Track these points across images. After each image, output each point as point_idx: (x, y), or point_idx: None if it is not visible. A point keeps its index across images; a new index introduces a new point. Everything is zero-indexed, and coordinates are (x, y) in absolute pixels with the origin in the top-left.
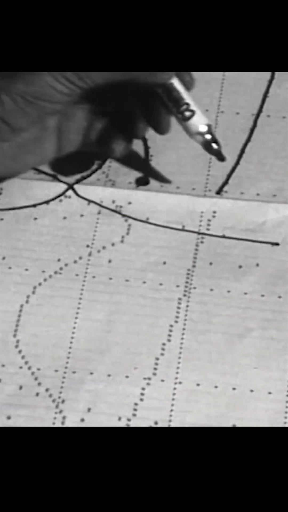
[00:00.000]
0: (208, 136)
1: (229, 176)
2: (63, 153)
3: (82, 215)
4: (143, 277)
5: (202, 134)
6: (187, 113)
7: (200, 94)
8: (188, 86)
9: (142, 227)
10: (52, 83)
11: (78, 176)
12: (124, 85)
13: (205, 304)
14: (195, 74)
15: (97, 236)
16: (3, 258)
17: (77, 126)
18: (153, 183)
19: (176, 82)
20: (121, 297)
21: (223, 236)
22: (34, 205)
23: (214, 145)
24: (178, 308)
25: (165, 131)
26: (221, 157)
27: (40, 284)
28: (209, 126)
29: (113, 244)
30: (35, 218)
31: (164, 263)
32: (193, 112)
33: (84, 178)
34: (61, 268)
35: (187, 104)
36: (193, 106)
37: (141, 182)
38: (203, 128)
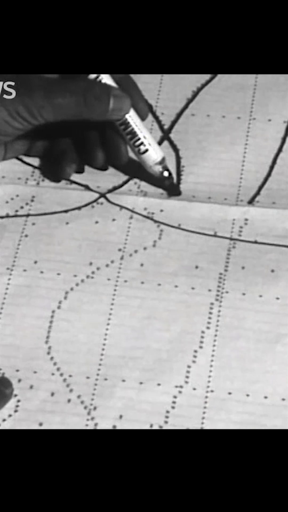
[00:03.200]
0: (161, 170)
1: (261, 187)
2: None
3: (114, 219)
4: (175, 281)
5: (156, 167)
6: (142, 148)
7: (232, 101)
8: (142, 115)
9: (174, 233)
10: (6, 119)
11: (110, 186)
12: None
13: (237, 309)
14: (227, 81)
15: (129, 240)
16: (35, 262)
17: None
18: (185, 193)
19: (130, 117)
20: (153, 302)
21: (255, 242)
22: (66, 211)
23: (166, 181)
24: (210, 313)
25: (123, 160)
26: (175, 192)
27: (72, 289)
28: (163, 159)
29: (145, 248)
30: (67, 223)
31: (196, 267)
32: (147, 146)
33: (116, 188)
34: (93, 272)
35: (141, 139)
36: (147, 141)
37: (173, 193)
38: (157, 162)
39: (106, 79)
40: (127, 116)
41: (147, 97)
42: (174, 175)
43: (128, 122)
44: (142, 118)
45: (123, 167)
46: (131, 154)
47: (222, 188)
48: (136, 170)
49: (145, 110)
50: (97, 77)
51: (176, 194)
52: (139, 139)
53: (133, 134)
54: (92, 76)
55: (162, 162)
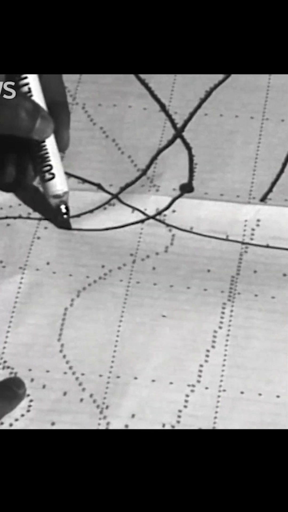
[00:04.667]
0: (60, 203)
1: (273, 183)
2: None
3: (126, 225)
4: (188, 283)
5: (57, 199)
6: (48, 175)
7: (245, 101)
8: (62, 146)
9: (186, 237)
10: None
11: (122, 184)
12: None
13: (249, 309)
14: (241, 82)
15: (141, 245)
16: (47, 263)
17: None
18: (197, 190)
19: (49, 142)
20: (165, 302)
21: (267, 246)
22: (79, 215)
23: (64, 215)
24: (223, 313)
25: (28, 180)
26: (67, 227)
27: (84, 288)
28: (65, 193)
29: (157, 254)
30: (79, 227)
31: (208, 271)
32: (53, 175)
33: (128, 185)
34: (105, 274)
35: (50, 166)
36: (55, 170)
37: (186, 189)
38: (58, 193)
39: (36, 98)
40: (47, 140)
41: (160, 96)
42: (187, 173)
43: (44, 146)
44: (61, 149)
45: (22, 193)
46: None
47: (234, 185)
48: (34, 197)
49: (66, 142)
50: (29, 92)
51: (67, 228)
52: (48, 165)
53: (44, 158)
54: (25, 89)
55: (63, 196)
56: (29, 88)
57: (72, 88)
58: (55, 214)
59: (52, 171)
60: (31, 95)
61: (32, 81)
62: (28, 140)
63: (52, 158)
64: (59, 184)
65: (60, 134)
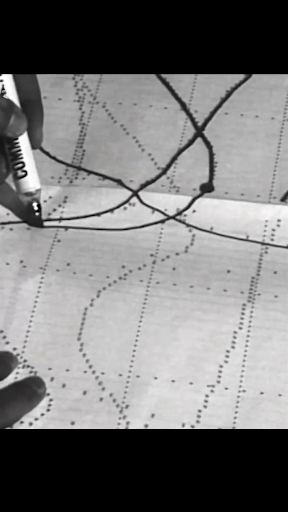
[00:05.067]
0: (32, 200)
1: None
2: None
3: (146, 225)
4: (207, 284)
5: (29, 196)
6: (20, 173)
7: (266, 102)
8: (34, 144)
9: (206, 237)
10: None
11: (143, 182)
12: None
13: (269, 310)
14: (262, 82)
15: (161, 246)
16: (68, 264)
17: None
18: (217, 190)
19: (22, 139)
20: (185, 302)
21: None
22: (98, 214)
23: (36, 213)
24: (242, 314)
25: (1, 179)
26: (39, 225)
27: (104, 288)
28: (37, 191)
29: (177, 254)
30: (99, 228)
31: (228, 271)
32: (25, 173)
33: (148, 183)
34: (125, 274)
35: (23, 163)
36: (28, 168)
37: (206, 189)
38: (31, 191)
39: (10, 96)
40: (20, 137)
41: (180, 95)
42: (207, 173)
43: (17, 143)
44: (33, 146)
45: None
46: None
47: (255, 185)
48: (6, 195)
49: (39, 139)
50: (3, 90)
51: (39, 226)
52: (21, 163)
53: (17, 156)
54: None
55: (35, 193)
56: (3, 86)
57: (93, 88)
58: (27, 212)
59: (25, 168)
60: (5, 93)
61: (6, 79)
62: (0, 137)
63: (25, 156)
64: (31, 182)
65: (33, 131)
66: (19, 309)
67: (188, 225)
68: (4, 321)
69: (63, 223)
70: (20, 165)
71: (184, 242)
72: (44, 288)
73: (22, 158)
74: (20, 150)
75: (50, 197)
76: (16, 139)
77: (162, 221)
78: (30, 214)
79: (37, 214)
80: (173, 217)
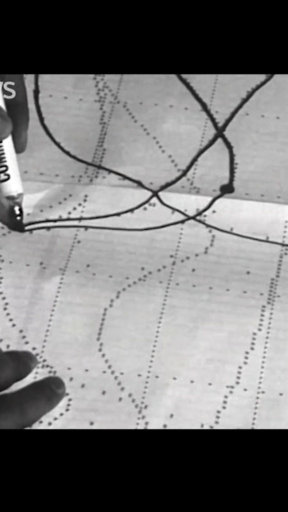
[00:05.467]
0: (13, 204)
1: None
2: None
3: (166, 225)
4: (227, 285)
5: (11, 200)
6: (2, 176)
7: (287, 104)
8: (19, 148)
9: (226, 238)
10: None
11: (162, 183)
12: None
13: None
14: (283, 83)
15: (180, 246)
16: (88, 265)
17: None
18: (238, 190)
19: (5, 142)
20: (205, 304)
21: None
22: (118, 214)
23: (17, 217)
24: (262, 315)
25: None
26: (20, 229)
27: (124, 289)
28: (19, 195)
29: (196, 255)
30: (119, 228)
31: (248, 273)
32: (8, 176)
33: (168, 184)
34: (145, 276)
35: (6, 167)
36: (11, 171)
37: (226, 190)
38: (13, 195)
39: None
40: (4, 140)
41: (201, 95)
42: (227, 174)
43: (1, 146)
44: (18, 150)
45: None
46: None
47: (275, 186)
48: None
49: (24, 143)
50: None
51: (20, 231)
52: (4, 166)
53: (0, 159)
54: None
55: (17, 197)
56: None
57: (114, 88)
58: (9, 215)
59: (8, 172)
60: None
61: None
62: None
63: (8, 159)
64: (13, 185)
65: (18, 135)
66: (39, 310)
67: (208, 226)
68: (23, 321)
69: (83, 222)
70: (3, 168)
71: (203, 243)
72: (64, 289)
73: (5, 161)
74: (3, 154)
75: (70, 195)
76: (0, 142)
77: (182, 221)
78: (11, 218)
79: (18, 218)
80: (193, 218)
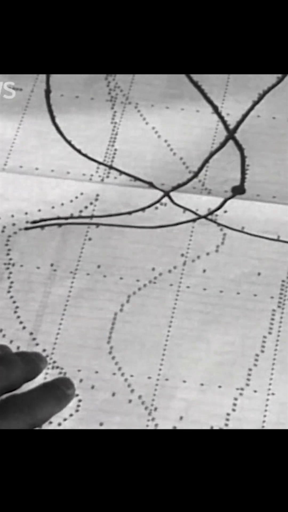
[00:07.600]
0: None
1: None
2: None
3: (177, 223)
4: (237, 288)
5: None
6: None
7: None
8: None
9: (237, 237)
10: None
11: (174, 184)
12: None
13: None
14: None
15: (191, 245)
16: (98, 266)
17: None
18: (249, 192)
19: None
20: (215, 307)
21: None
22: (130, 213)
23: None
24: (272, 319)
25: None
26: None
27: (134, 293)
28: None
29: (207, 254)
30: (130, 226)
31: (259, 274)
32: None
33: (180, 185)
34: (155, 278)
35: None
36: None
37: (238, 191)
38: None
39: None
40: None
41: (212, 98)
42: (239, 175)
43: None
44: None
45: None
46: None
47: (286, 188)
48: None
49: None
50: None
51: None
52: None
53: None
54: None
55: None
56: None
57: (125, 88)
58: None
59: None
60: None
61: None
62: None
63: None
64: None
65: None
66: (49, 313)
67: (219, 224)
68: (34, 324)
69: (94, 220)
70: None
71: (215, 241)
72: (74, 293)
73: None
74: None
75: (81, 194)
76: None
77: (193, 220)
78: None
79: None
80: (205, 217)
